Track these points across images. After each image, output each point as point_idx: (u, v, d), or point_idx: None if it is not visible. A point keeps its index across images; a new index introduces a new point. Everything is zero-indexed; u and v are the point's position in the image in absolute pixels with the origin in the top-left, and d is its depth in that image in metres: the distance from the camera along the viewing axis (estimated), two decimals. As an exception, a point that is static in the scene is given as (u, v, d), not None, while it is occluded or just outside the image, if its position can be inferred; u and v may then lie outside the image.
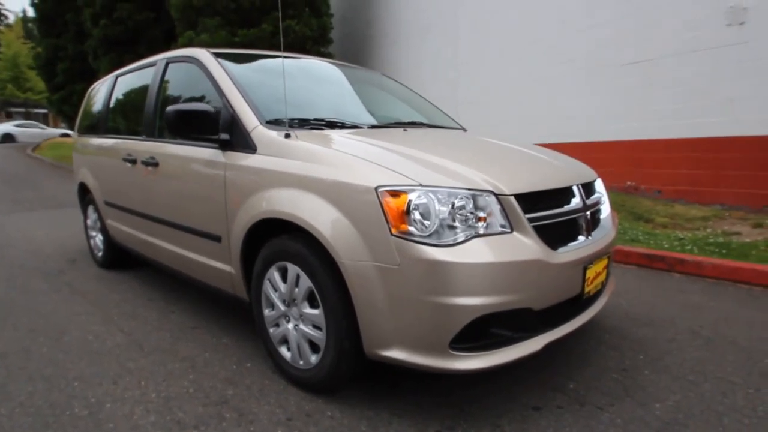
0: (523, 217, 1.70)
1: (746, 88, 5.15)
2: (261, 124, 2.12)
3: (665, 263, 3.69)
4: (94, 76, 11.35)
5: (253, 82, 2.43)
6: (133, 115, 3.29)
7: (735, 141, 5.29)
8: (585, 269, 1.90)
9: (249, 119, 2.15)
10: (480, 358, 1.62)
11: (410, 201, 1.60)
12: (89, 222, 4.17)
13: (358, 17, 11.78)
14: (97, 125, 3.81)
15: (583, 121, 6.71)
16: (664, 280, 3.49)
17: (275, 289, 2.04)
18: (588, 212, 2.04)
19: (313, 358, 1.91)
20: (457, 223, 1.60)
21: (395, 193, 1.62)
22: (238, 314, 2.82)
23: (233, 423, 1.76)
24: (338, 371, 1.83)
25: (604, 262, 2.10)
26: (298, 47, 10.13)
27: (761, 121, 5.10)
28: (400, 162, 1.76)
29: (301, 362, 1.97)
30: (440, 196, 1.60)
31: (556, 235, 1.82)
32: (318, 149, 1.89)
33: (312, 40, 10.21)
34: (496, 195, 1.68)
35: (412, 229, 1.59)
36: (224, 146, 2.25)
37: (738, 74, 5.20)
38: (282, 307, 2.02)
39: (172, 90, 2.86)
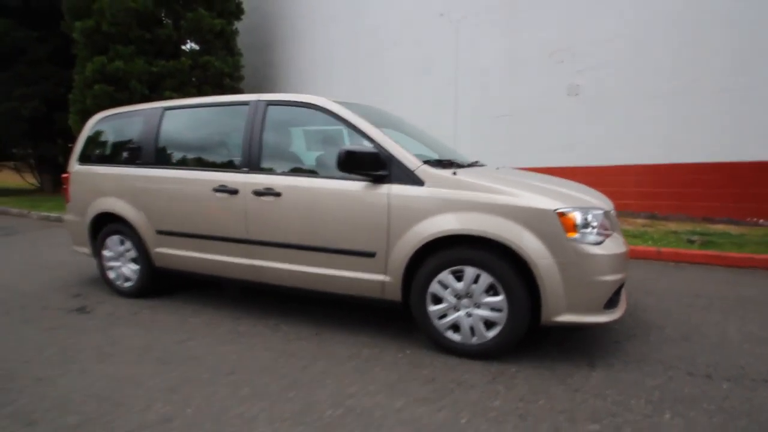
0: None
1: (581, 134, 7.12)
2: (423, 164, 2.51)
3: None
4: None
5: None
6: (216, 149, 3.20)
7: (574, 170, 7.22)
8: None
9: (411, 160, 2.54)
10: (611, 313, 2.34)
11: (576, 217, 2.26)
12: (109, 253, 3.64)
13: (259, 58, 11.68)
14: (138, 156, 3.42)
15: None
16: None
17: (445, 287, 2.44)
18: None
19: (490, 333, 2.38)
20: (598, 230, 2.31)
21: (564, 213, 2.25)
22: (337, 321, 3.00)
23: (464, 388, 2.13)
24: (513, 340, 2.35)
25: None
26: (216, 82, 9.67)
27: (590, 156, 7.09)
28: (549, 192, 2.41)
29: (474, 339, 2.42)
30: (591, 215, 2.30)
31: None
32: (490, 185, 2.41)
33: (228, 76, 9.82)
34: (606, 211, 2.44)
35: (577, 236, 2.25)
36: (379, 180, 2.54)
37: (576, 125, 7.16)
38: (452, 301, 2.44)
39: (281, 129, 2.95)
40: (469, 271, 2.40)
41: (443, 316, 2.51)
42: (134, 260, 3.57)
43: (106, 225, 3.66)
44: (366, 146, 2.52)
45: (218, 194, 3.01)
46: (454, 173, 2.49)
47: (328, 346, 2.65)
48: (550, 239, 2.26)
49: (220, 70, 9.48)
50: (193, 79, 9.25)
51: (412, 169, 2.53)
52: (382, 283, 2.62)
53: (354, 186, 2.64)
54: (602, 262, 2.27)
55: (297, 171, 2.89)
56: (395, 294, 2.61)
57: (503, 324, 2.37)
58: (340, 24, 9.95)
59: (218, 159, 3.15)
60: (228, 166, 3.06)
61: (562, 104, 7.17)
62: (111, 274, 3.71)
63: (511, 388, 2.15)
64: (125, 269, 3.61)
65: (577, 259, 2.24)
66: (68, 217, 3.97)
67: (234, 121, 3.07)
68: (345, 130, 2.85)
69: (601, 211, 2.40)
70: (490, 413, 1.94)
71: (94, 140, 3.84)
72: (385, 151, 2.57)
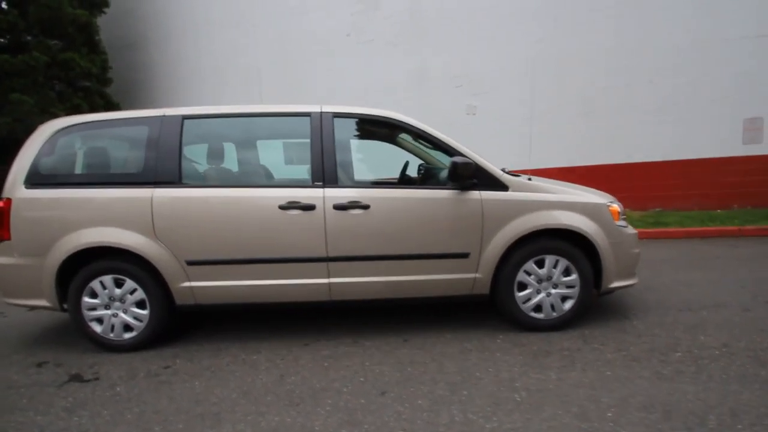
0: None
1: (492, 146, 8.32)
2: (503, 172, 2.78)
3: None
4: None
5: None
6: (271, 164, 2.77)
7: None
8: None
9: (495, 170, 2.78)
10: (636, 277, 3.03)
11: (618, 208, 2.87)
12: (94, 301, 2.74)
13: (123, 58, 9.78)
14: (150, 174, 2.68)
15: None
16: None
17: (529, 275, 2.77)
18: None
19: (566, 306, 2.81)
20: (623, 217, 2.99)
21: (610, 205, 2.85)
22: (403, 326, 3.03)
23: (575, 351, 2.49)
24: (583, 308, 2.83)
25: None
26: (80, 85, 7.68)
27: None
28: (589, 191, 2.97)
29: (555, 314, 2.81)
30: (621, 207, 2.95)
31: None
32: (559, 187, 2.82)
33: (96, 78, 7.91)
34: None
35: (620, 222, 2.87)
36: (470, 188, 2.71)
37: (473, 140, 8.31)
38: (536, 285, 2.78)
39: (352, 142, 2.79)
40: (550, 259, 2.78)
41: (527, 300, 2.83)
42: (140, 304, 2.78)
43: (85, 265, 2.74)
44: (465, 158, 2.64)
45: (289, 212, 2.65)
46: (529, 179, 2.85)
47: (432, 348, 2.65)
48: (607, 226, 2.81)
49: (86, 69, 7.53)
50: (55, 81, 7.11)
51: (498, 176, 2.77)
52: (474, 279, 2.77)
53: (445, 194, 2.72)
54: (634, 239, 2.93)
55: (377, 183, 2.79)
56: (484, 288, 2.81)
57: (576, 297, 2.82)
58: (241, 28, 9.14)
59: (276, 174, 2.76)
60: (293, 181, 2.72)
61: (462, 121, 8.19)
62: (97, 328, 2.79)
63: (605, 344, 2.61)
64: (123, 317, 2.77)
65: (622, 239, 2.85)
66: (6, 260, 2.76)
67: (291, 133, 2.75)
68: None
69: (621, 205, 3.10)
70: (613, 364, 2.33)
71: (50, 156, 2.81)
72: (473, 161, 2.75)
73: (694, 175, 7.03)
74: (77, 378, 2.48)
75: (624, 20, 7.28)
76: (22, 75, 6.72)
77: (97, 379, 2.45)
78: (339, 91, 8.60)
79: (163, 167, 2.71)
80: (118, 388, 2.33)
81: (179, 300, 2.77)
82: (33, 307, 2.98)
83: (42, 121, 7.14)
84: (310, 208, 2.65)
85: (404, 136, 3.78)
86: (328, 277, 2.73)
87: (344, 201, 2.67)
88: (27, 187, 2.75)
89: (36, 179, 2.76)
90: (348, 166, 2.80)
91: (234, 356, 2.68)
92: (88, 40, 7.92)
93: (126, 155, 2.84)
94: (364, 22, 8.57)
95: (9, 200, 2.75)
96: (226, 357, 2.67)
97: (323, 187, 2.69)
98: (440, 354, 2.58)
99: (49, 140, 2.82)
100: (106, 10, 8.41)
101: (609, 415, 1.91)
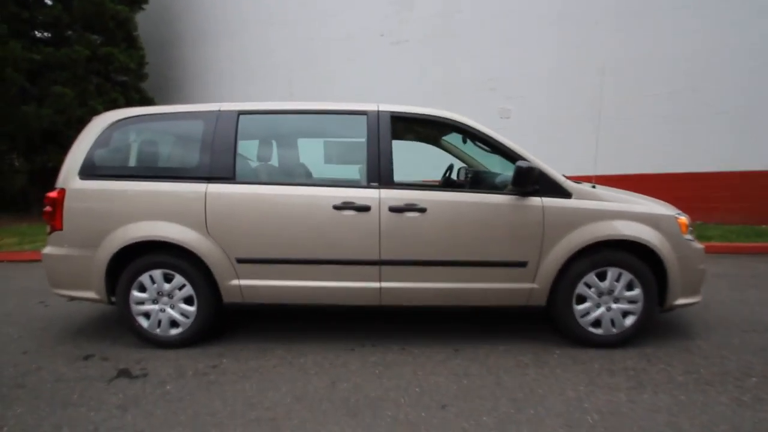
0: None
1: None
2: (566, 179, 2.65)
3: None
4: None
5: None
6: (325, 162, 2.68)
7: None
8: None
9: (558, 176, 2.64)
10: (700, 294, 2.83)
11: (686, 220, 2.70)
12: (143, 295, 2.70)
13: (159, 55, 9.92)
14: (204, 169, 2.64)
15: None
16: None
17: (589, 287, 2.62)
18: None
19: (627, 322, 2.65)
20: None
21: (678, 217, 2.68)
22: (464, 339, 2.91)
23: (640, 371, 2.33)
24: (645, 325, 2.66)
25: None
26: (118, 79, 7.80)
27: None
28: (658, 202, 2.80)
29: (614, 330, 2.65)
30: (688, 219, 2.77)
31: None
32: (625, 196, 2.67)
33: (133, 73, 8.02)
34: None
35: (687, 235, 2.69)
36: (531, 193, 2.58)
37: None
38: (596, 299, 2.63)
39: (409, 142, 2.69)
40: (612, 271, 2.62)
41: (585, 314, 2.68)
42: (187, 300, 2.74)
43: (136, 258, 2.72)
44: (529, 163, 2.51)
45: (343, 212, 2.57)
46: (593, 186, 2.70)
47: (485, 360, 2.52)
48: (674, 238, 2.63)
49: (124, 64, 7.64)
50: (94, 75, 7.22)
51: (561, 182, 2.64)
52: (530, 290, 2.64)
53: (505, 199, 2.60)
54: (701, 254, 2.75)
55: (434, 185, 2.68)
56: (541, 299, 2.66)
57: (639, 313, 2.65)
58: (274, 29, 9.19)
59: (329, 173, 2.68)
60: (347, 180, 2.64)
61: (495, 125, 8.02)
62: (144, 322, 2.76)
63: (671, 364, 2.44)
64: (171, 313, 2.72)
65: (689, 253, 2.67)
66: (57, 250, 2.76)
67: (347, 131, 2.67)
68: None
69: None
70: (685, 387, 2.16)
71: (105, 149, 2.79)
72: (537, 166, 2.61)
73: (739, 188, 6.71)
74: (126, 373, 2.43)
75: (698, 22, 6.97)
76: (64, 68, 6.84)
77: (145, 375, 2.41)
78: (369, 92, 8.53)
79: (217, 163, 2.65)
80: (168, 386, 2.28)
81: (227, 298, 2.71)
82: (74, 298, 2.97)
83: (82, 114, 7.27)
84: (365, 209, 2.56)
85: (448, 138, 3.68)
86: (380, 280, 2.63)
87: (400, 203, 2.57)
88: (81, 179, 2.74)
89: (90, 171, 2.74)
90: (406, 167, 2.70)
91: (280, 358, 2.60)
92: (127, 35, 8.05)
93: (180, 149, 2.80)
94: (396, 23, 8.50)
95: (63, 191, 2.73)
96: (272, 358, 2.60)
97: (379, 188, 2.60)
98: (495, 367, 2.45)
99: (104, 132, 2.80)
100: (144, 6, 8.53)
101: (695, 445, 1.76)
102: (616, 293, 2.64)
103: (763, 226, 6.44)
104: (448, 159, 3.85)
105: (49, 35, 7.07)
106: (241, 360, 2.58)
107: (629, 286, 2.64)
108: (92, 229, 2.70)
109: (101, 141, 2.78)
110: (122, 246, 2.65)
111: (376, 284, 2.63)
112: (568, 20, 7.51)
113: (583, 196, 2.63)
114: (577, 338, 2.69)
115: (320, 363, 2.53)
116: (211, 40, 9.87)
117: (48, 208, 2.77)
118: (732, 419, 1.93)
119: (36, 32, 7.14)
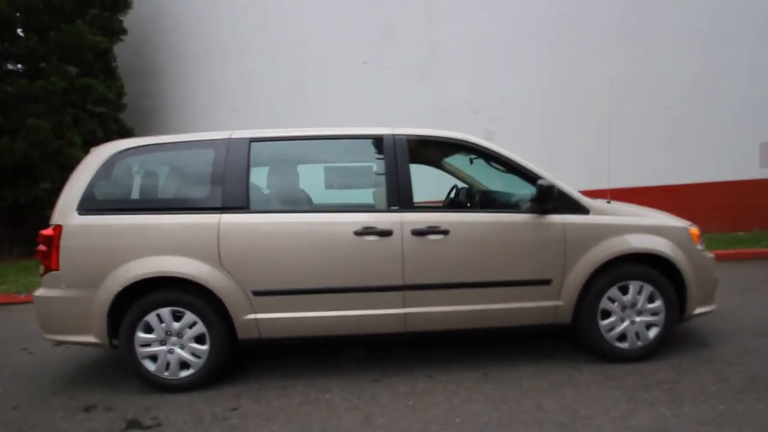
0: None
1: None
2: (582, 195, 2.68)
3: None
4: None
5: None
6: (342, 188, 2.64)
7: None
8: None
9: (575, 193, 2.67)
10: (714, 302, 2.89)
11: (697, 231, 2.77)
12: (149, 336, 2.51)
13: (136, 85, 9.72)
14: (214, 199, 2.52)
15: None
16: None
17: (613, 302, 2.62)
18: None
19: (651, 334, 2.65)
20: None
21: (689, 228, 2.76)
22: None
23: (674, 384, 2.32)
24: (668, 336, 2.67)
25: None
26: (95, 110, 7.54)
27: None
28: (668, 215, 2.87)
29: (639, 342, 2.65)
30: (699, 230, 2.85)
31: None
32: (638, 210, 2.73)
33: (113, 104, 7.78)
34: None
35: (699, 245, 2.76)
36: (548, 212, 2.59)
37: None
38: (620, 312, 2.63)
39: (425, 165, 2.68)
40: (634, 285, 2.64)
41: (610, 329, 2.67)
42: (198, 339, 2.56)
43: (141, 297, 2.52)
44: (549, 181, 2.52)
45: (365, 238, 2.49)
46: (609, 202, 2.75)
47: (518, 383, 2.45)
48: (688, 249, 2.69)
49: (103, 96, 7.41)
50: (70, 107, 6.93)
51: (578, 199, 2.66)
52: (555, 307, 2.61)
53: (526, 218, 2.59)
54: (713, 264, 2.82)
55: (454, 207, 2.66)
56: (566, 316, 2.64)
57: (661, 325, 2.66)
58: (255, 57, 9.21)
59: (346, 199, 2.62)
60: (367, 205, 2.58)
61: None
62: (150, 366, 2.55)
63: (699, 374, 2.44)
64: (180, 353, 2.53)
65: (702, 263, 2.73)
66: (52, 292, 2.54)
67: (362, 156, 2.63)
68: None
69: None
70: (722, 397, 2.16)
71: (107, 181, 2.63)
72: (555, 184, 2.61)
73: (713, 199, 7.07)
74: (136, 425, 2.21)
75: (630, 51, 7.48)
76: (40, 100, 6.56)
77: (159, 425, 2.20)
78: (355, 119, 8.60)
79: (230, 192, 2.54)
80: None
81: (242, 334, 2.55)
82: (61, 343, 2.74)
83: (58, 146, 6.95)
84: (387, 233, 2.50)
85: (449, 160, 3.71)
86: (404, 306, 2.54)
87: (423, 226, 2.52)
88: (80, 213, 2.55)
89: (91, 205, 2.57)
90: (423, 189, 2.68)
91: (303, 395, 2.44)
92: (105, 66, 7.85)
93: (189, 180, 2.68)
94: (380, 50, 8.70)
95: (59, 227, 2.54)
96: (295, 396, 2.44)
97: (400, 211, 2.55)
98: (530, 389, 2.38)
99: (105, 164, 2.64)
100: (123, 37, 8.40)
101: (753, 457, 1.73)
102: (639, 306, 2.65)
103: (740, 233, 6.77)
104: (443, 180, 3.88)
105: (23, 67, 6.81)
106: (261, 401, 2.40)
107: (650, 299, 2.66)
108: (93, 268, 2.51)
109: (102, 173, 2.63)
110: (128, 284, 2.46)
111: (401, 310, 2.54)
112: (553, 44, 7.89)
113: (600, 212, 2.67)
114: (604, 353, 2.66)
115: (347, 398, 2.39)
116: (190, 70, 9.77)
117: (42, 247, 2.57)
118: (776, 427, 1.92)
119: (9, 65, 6.88)
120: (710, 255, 2.83)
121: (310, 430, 2.08)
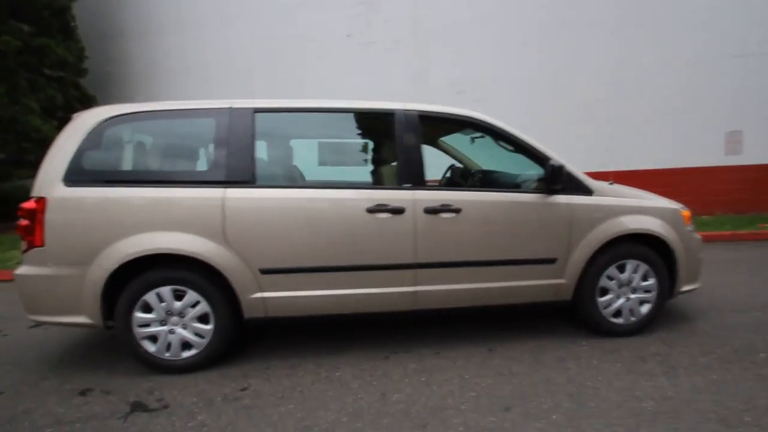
0: None
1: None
2: (587, 177, 2.74)
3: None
4: None
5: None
6: (351, 163, 2.54)
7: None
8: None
9: (581, 174, 2.72)
10: (699, 282, 3.08)
11: (688, 212, 2.92)
12: (148, 316, 2.38)
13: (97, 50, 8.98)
14: (219, 172, 2.38)
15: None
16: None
17: (611, 279, 2.74)
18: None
19: (644, 310, 2.80)
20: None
21: (681, 210, 2.89)
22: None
23: (667, 356, 2.47)
24: (658, 312, 2.83)
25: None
26: (53, 74, 6.90)
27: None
28: (663, 199, 2.99)
29: (633, 318, 2.80)
30: (689, 212, 3.00)
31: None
32: (636, 192, 2.82)
33: (72, 68, 7.14)
34: None
35: (689, 226, 2.91)
36: (555, 192, 2.64)
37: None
38: (617, 290, 2.76)
39: (434, 142, 2.63)
40: (631, 264, 2.75)
41: (607, 305, 2.79)
42: (201, 318, 2.46)
43: (138, 275, 2.38)
44: (559, 162, 2.56)
45: (377, 215, 2.44)
46: (611, 183, 2.82)
47: (523, 358, 2.53)
48: (680, 230, 2.84)
49: (62, 58, 6.76)
50: (25, 70, 6.29)
51: (583, 180, 2.72)
52: (558, 286, 2.70)
53: (535, 198, 2.63)
54: (700, 244, 2.98)
55: (466, 185, 2.64)
56: (567, 294, 2.73)
57: (654, 301, 2.82)
58: (232, 27, 8.67)
59: (358, 175, 2.54)
60: (377, 182, 2.51)
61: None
62: (150, 347, 2.43)
63: (688, 347, 2.62)
64: (183, 333, 2.43)
65: (691, 243, 2.90)
66: (36, 270, 2.34)
67: (371, 131, 2.55)
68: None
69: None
70: (711, 367, 2.32)
71: (96, 150, 2.42)
72: (564, 168, 2.64)
73: (679, 184, 7.48)
74: (141, 407, 2.12)
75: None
76: (-9, 61, 5.92)
77: (166, 407, 2.11)
78: (335, 94, 8.35)
79: (235, 165, 2.41)
80: (200, 417, 2.01)
81: (248, 313, 2.47)
82: (41, 324, 2.58)
83: (13, 113, 6.34)
84: (399, 211, 2.46)
85: (445, 140, 3.69)
86: (414, 285, 2.54)
87: (435, 204, 2.50)
88: (67, 185, 2.35)
89: (78, 176, 2.36)
90: (433, 167, 2.64)
91: (314, 373, 2.42)
92: (63, 26, 7.14)
93: (188, 151, 2.51)
94: (364, 24, 8.42)
95: (43, 200, 2.33)
96: (306, 374, 2.41)
97: (412, 189, 2.52)
98: (537, 363, 2.47)
99: (93, 131, 2.42)
100: (82, -5, 7.65)
101: (748, 419, 1.88)
102: (634, 284, 2.78)
103: (704, 217, 7.23)
104: (438, 159, 3.86)
105: (-31, 23, 6.07)
106: (271, 380, 2.36)
107: (644, 277, 2.80)
108: (83, 244, 2.33)
109: (91, 141, 2.41)
110: (124, 261, 2.31)
111: (410, 288, 2.54)
112: (542, 25, 7.90)
113: (603, 193, 2.75)
114: (601, 329, 2.79)
115: (359, 375, 2.38)
116: (157, 34, 9.11)
117: (24, 221, 2.35)
118: (765, 392, 2.10)
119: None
120: (698, 236, 3.00)
121: (328, 407, 2.07)
